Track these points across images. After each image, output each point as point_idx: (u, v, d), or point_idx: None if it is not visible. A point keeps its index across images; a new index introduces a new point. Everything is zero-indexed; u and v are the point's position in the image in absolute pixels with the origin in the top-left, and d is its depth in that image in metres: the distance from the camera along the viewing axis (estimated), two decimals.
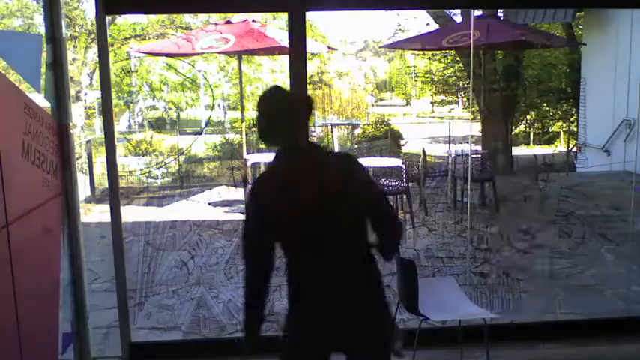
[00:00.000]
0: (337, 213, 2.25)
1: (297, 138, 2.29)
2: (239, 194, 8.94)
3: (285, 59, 16.64)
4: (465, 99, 19.30)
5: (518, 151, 14.37)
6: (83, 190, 9.75)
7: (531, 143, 17.42)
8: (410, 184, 7.72)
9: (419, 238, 6.93)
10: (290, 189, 2.26)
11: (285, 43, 6.01)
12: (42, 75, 3.27)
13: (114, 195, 3.82)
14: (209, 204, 8.95)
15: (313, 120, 16.96)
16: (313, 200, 2.23)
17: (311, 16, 25.83)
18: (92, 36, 12.80)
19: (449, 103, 19.98)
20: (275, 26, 11.04)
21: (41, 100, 3.39)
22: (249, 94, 19.12)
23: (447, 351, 4.11)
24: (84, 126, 14.12)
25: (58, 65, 3.47)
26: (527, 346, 4.17)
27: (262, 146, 13.88)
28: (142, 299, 5.15)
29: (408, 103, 31.47)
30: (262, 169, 9.01)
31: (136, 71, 17.33)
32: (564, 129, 16.82)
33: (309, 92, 9.79)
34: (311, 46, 8.98)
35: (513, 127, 14.32)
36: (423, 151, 9.22)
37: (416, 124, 23.36)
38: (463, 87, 16.94)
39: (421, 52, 17.03)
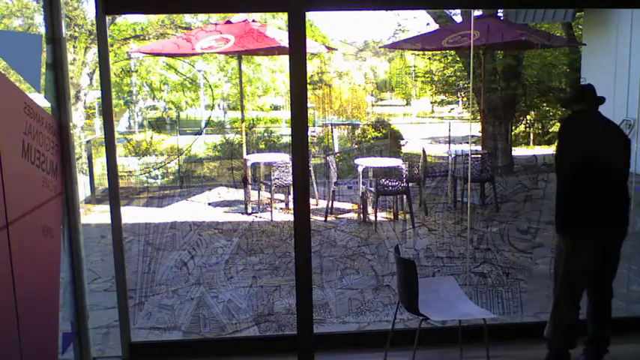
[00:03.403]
0: (612, 157, 3.62)
1: (596, 109, 3.74)
2: (239, 194, 8.95)
3: (285, 59, 16.65)
4: (465, 99, 19.29)
5: (518, 151, 14.36)
6: (83, 190, 9.76)
7: (531, 143, 17.41)
8: (410, 184, 7.73)
9: (419, 238, 6.94)
10: (590, 135, 3.68)
11: (285, 43, 6.02)
12: (42, 75, 3.27)
13: (114, 195, 3.82)
14: (209, 204, 8.96)
15: (313, 120, 16.96)
16: (601, 145, 3.64)
17: (311, 16, 25.83)
18: (92, 36, 12.79)
19: (449, 103, 19.95)
20: (275, 26, 11.05)
21: (41, 100, 3.39)
22: (249, 94, 19.13)
23: (447, 351, 4.12)
24: (84, 126, 14.11)
25: (58, 65, 3.47)
26: (527, 346, 4.17)
27: (262, 146, 13.89)
28: (142, 299, 5.15)
29: (408, 103, 31.45)
30: (262, 169, 9.02)
31: (136, 71, 17.33)
32: None
33: (310, 92, 9.78)
34: (311, 46, 8.98)
35: (513, 127, 14.31)
36: (423, 151, 9.22)
37: (416, 124, 23.35)
38: (463, 87, 16.94)
39: (421, 52, 17.03)
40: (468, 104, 18.32)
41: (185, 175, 11.90)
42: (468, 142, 12.09)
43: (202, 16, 15.30)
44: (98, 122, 16.26)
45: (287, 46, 3.67)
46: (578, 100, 3.78)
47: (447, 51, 14.02)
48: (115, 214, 3.82)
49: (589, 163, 3.59)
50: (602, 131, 3.72)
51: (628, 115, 9.86)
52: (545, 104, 16.14)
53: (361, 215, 7.86)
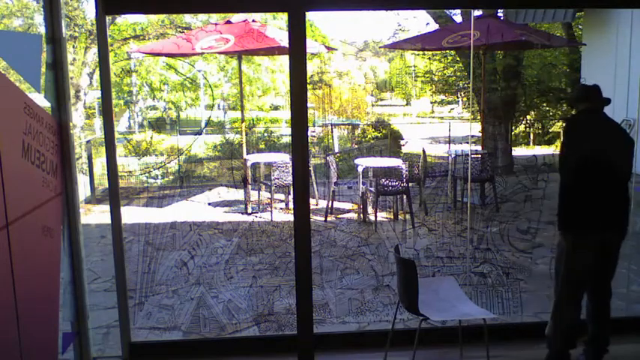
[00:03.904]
0: (616, 158, 3.65)
1: (601, 109, 3.75)
2: (239, 194, 8.95)
3: (285, 59, 16.66)
4: (465, 99, 19.29)
5: (518, 151, 14.36)
6: (83, 190, 9.76)
7: (531, 143, 17.40)
8: (410, 184, 7.73)
9: (419, 238, 6.94)
10: (594, 135, 3.69)
11: (285, 43, 6.01)
12: (42, 75, 3.27)
13: (114, 195, 3.82)
14: (209, 204, 8.96)
15: (313, 120, 16.96)
16: (605, 145, 3.65)
17: (311, 16, 25.84)
18: (92, 36, 12.79)
19: (449, 103, 19.96)
20: (275, 26, 11.05)
21: (41, 100, 3.39)
22: (249, 94, 19.13)
23: (447, 351, 4.12)
24: (84, 126, 14.10)
25: (58, 65, 3.47)
26: (527, 346, 4.17)
27: (262, 146, 13.89)
28: (142, 299, 5.15)
29: (408, 103, 31.46)
30: (262, 169, 9.02)
31: (136, 71, 17.33)
32: None
33: (310, 92, 9.80)
34: (311, 46, 8.98)
35: (513, 127, 14.31)
36: (423, 151, 9.22)
37: (416, 124, 23.36)
38: (463, 87, 16.94)
39: (421, 52, 17.03)
40: (468, 104, 18.33)
41: (185, 175, 11.90)
42: (468, 142, 12.09)
43: (202, 16, 15.30)
44: (98, 122, 16.27)
45: (287, 46, 3.67)
46: (583, 100, 3.77)
47: (447, 51, 14.02)
48: (115, 214, 3.83)
49: (592, 163, 3.61)
50: (605, 131, 3.73)
51: (628, 115, 9.86)
52: (545, 104, 16.13)
53: (361, 215, 7.86)
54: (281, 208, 8.43)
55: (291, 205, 8.18)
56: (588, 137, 3.69)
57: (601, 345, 3.80)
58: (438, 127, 19.34)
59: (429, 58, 17.55)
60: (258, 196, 8.60)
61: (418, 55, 21.30)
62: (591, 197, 3.59)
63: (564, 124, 3.91)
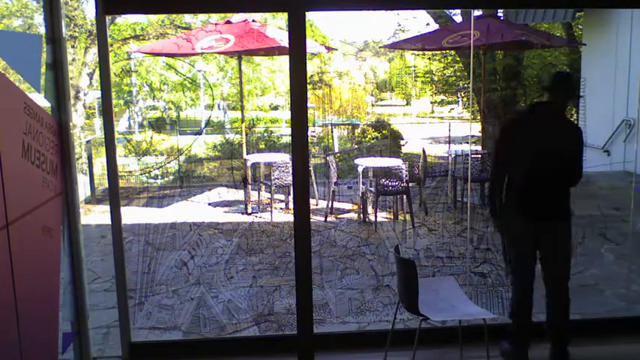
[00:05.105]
0: (559, 153, 3.63)
1: (561, 105, 3.71)
2: (239, 194, 8.95)
3: (285, 59, 16.66)
4: (465, 99, 19.30)
5: None
6: (83, 190, 9.76)
7: None
8: (410, 184, 7.73)
9: (419, 238, 6.94)
10: (537, 129, 3.69)
11: (285, 43, 6.02)
12: (42, 75, 3.27)
13: (114, 195, 3.82)
14: (209, 204, 8.96)
15: (313, 120, 16.97)
16: (549, 139, 3.64)
17: (311, 16, 25.85)
18: (92, 36, 12.79)
19: (449, 103, 19.98)
20: (275, 26, 11.05)
21: (41, 100, 3.38)
22: (249, 94, 19.14)
23: (447, 351, 4.11)
24: (84, 126, 14.12)
25: (58, 65, 3.47)
26: None
27: (262, 146, 13.89)
28: (142, 299, 5.15)
29: (408, 103, 31.47)
30: (262, 169, 9.03)
31: (136, 71, 17.34)
32: None
33: (310, 92, 9.79)
34: (311, 46, 8.98)
35: None
36: (423, 151, 9.22)
37: (416, 124, 23.36)
38: (463, 87, 16.95)
39: (421, 52, 17.04)
40: (468, 104, 18.34)
41: (185, 175, 11.91)
42: (468, 142, 12.09)
43: (202, 16, 15.31)
44: (98, 122, 16.27)
45: (287, 46, 3.67)
46: (546, 90, 3.71)
47: (447, 51, 14.03)
48: (115, 214, 3.82)
49: (530, 155, 3.65)
50: (549, 128, 3.67)
51: (628, 115, 9.87)
52: None
53: (361, 215, 7.86)
54: (281, 208, 8.43)
55: (291, 205, 8.19)
56: (529, 131, 3.70)
57: (557, 346, 3.74)
58: (438, 127, 19.34)
59: (429, 58, 17.57)
60: (258, 196, 8.60)
61: (418, 55, 21.32)
62: (529, 189, 3.66)
63: (509, 116, 4.03)
